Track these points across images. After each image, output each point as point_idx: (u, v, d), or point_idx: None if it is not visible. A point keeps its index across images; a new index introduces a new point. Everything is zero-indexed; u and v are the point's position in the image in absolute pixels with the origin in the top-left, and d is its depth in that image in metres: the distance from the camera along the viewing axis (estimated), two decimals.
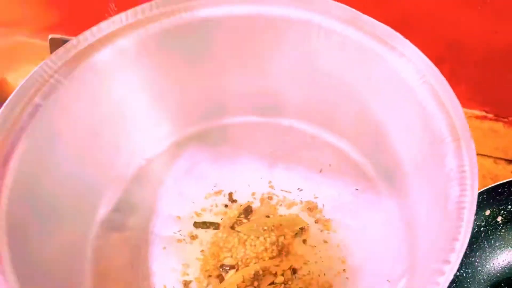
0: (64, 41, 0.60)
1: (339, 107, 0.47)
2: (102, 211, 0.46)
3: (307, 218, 0.46)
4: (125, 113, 0.46)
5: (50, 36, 0.64)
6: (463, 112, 0.31)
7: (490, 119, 0.56)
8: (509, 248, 0.41)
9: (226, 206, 0.47)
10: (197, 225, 0.46)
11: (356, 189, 0.47)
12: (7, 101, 0.35)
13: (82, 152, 0.43)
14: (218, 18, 0.42)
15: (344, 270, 0.42)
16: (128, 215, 0.47)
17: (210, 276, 0.43)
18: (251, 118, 0.52)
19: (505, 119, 0.55)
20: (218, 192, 0.48)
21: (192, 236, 0.46)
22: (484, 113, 0.57)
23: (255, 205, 0.47)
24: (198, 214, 0.47)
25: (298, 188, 0.47)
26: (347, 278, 0.42)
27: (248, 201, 0.47)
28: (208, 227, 0.46)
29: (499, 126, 0.55)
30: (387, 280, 0.41)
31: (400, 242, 0.42)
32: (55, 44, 0.63)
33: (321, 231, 0.45)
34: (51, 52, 0.63)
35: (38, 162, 0.37)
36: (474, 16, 0.44)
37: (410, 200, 0.41)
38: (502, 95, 0.54)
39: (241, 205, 0.47)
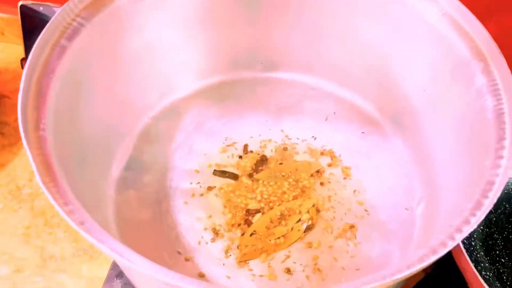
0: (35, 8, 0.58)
1: (342, 56, 0.49)
2: (115, 170, 0.45)
3: (321, 162, 0.48)
4: (136, 66, 0.45)
5: (20, 3, 0.60)
6: (489, 35, 0.34)
7: None
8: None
9: (240, 157, 0.48)
10: (216, 173, 0.46)
11: (363, 132, 0.49)
12: (36, 42, 0.33)
13: (96, 105, 0.42)
14: None
15: (364, 207, 0.45)
16: (141, 173, 0.46)
17: (239, 224, 0.43)
18: (253, 74, 0.53)
19: None
20: (231, 145, 0.49)
21: (211, 187, 0.46)
22: None
23: (269, 154, 0.48)
24: (217, 165, 0.47)
25: (313, 136, 0.49)
26: (368, 214, 0.44)
27: (261, 151, 0.48)
28: (227, 177, 0.46)
29: None
30: (405, 209, 0.44)
31: (412, 173, 0.45)
32: (26, 11, 0.60)
33: (335, 174, 0.47)
34: (22, 19, 0.60)
35: (66, 107, 0.36)
36: None
37: (419, 133, 0.45)
38: None
39: (258, 153, 0.48)
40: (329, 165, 0.48)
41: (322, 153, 0.48)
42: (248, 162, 0.47)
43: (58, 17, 0.35)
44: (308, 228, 0.43)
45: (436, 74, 0.40)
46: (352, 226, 0.43)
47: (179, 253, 0.41)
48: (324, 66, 0.51)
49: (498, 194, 0.27)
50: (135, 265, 0.25)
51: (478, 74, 0.34)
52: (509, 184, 0.46)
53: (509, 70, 0.33)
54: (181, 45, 0.47)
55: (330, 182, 0.46)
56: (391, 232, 0.43)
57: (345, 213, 0.45)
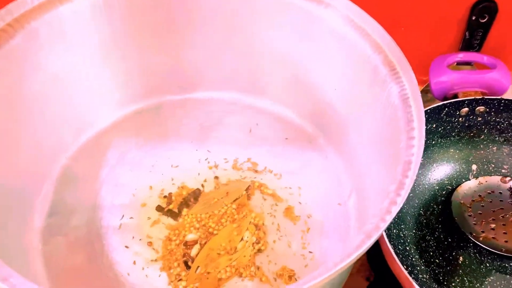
0: None
1: (254, 69, 0.51)
2: (38, 218, 0.43)
3: (251, 176, 0.48)
4: (43, 106, 0.42)
5: None
6: (384, 30, 0.37)
7: None
8: (430, 173, 0.48)
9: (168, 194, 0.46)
10: (159, 209, 0.45)
11: (286, 138, 0.50)
12: None
13: (2, 154, 0.39)
14: None
15: (297, 207, 0.46)
16: (67, 217, 0.44)
17: (178, 260, 0.42)
18: (170, 97, 0.52)
19: None
20: (157, 176, 0.47)
21: (156, 220, 0.44)
22: None
23: (196, 180, 0.47)
24: (143, 204, 0.45)
25: (234, 157, 0.49)
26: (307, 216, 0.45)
27: (187, 181, 0.47)
28: (169, 215, 0.45)
29: None
30: (338, 204, 0.45)
31: (338, 169, 0.47)
32: None
33: (267, 184, 0.47)
34: None
35: None
36: None
37: (339, 130, 0.47)
38: None
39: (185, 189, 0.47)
40: (258, 177, 0.48)
41: (250, 168, 0.49)
42: (180, 195, 0.46)
43: None
44: (257, 242, 0.43)
45: (344, 71, 0.42)
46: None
47: None
48: (239, 80, 0.52)
49: (416, 172, 0.29)
50: None
51: (380, 65, 0.37)
52: (434, 185, 0.48)
53: (405, 59, 0.35)
54: (91, 77, 0.46)
55: (263, 194, 0.47)
56: (329, 229, 0.44)
57: (286, 221, 0.45)
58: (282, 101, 0.52)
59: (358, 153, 0.44)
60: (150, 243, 0.43)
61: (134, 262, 0.41)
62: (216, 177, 0.48)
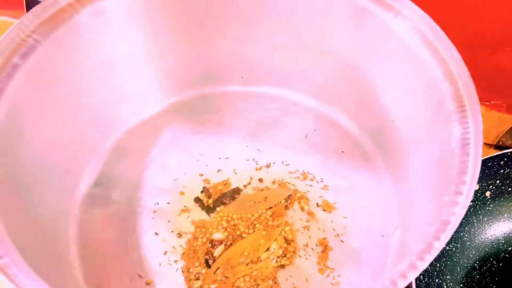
0: None
1: (322, 72, 0.47)
2: (83, 186, 0.44)
3: (296, 185, 0.46)
4: (105, 81, 0.43)
5: None
6: (460, 57, 0.31)
7: None
8: (497, 223, 0.42)
9: (205, 189, 0.46)
10: (196, 201, 0.45)
11: (343, 151, 0.47)
12: None
13: (61, 122, 0.41)
14: None
15: (338, 233, 0.43)
16: (111, 189, 0.45)
17: (199, 258, 0.41)
18: (234, 88, 0.51)
19: (487, 103, 0.56)
20: (203, 166, 0.47)
21: (184, 209, 0.44)
22: None
23: (239, 178, 0.46)
24: (182, 193, 0.45)
25: (284, 161, 0.47)
26: (341, 240, 0.42)
27: (231, 177, 0.46)
28: (203, 209, 0.44)
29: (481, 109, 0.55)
30: (381, 236, 0.41)
31: (390, 198, 0.43)
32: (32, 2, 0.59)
33: (310, 198, 0.45)
34: (28, 10, 0.59)
35: (16, 130, 0.35)
36: None
37: (398, 156, 0.42)
38: (486, 79, 0.53)
39: (226, 184, 0.46)
40: (305, 187, 0.45)
41: (298, 176, 0.46)
42: (219, 191, 0.45)
43: (10, 33, 0.34)
44: (283, 255, 0.41)
45: (411, 93, 0.37)
46: (325, 253, 0.41)
47: (140, 276, 0.40)
48: (304, 81, 0.49)
49: (450, 235, 0.25)
50: None
51: (448, 98, 0.32)
52: (500, 239, 0.42)
53: (477, 96, 0.30)
54: (156, 58, 0.46)
55: (303, 207, 0.44)
56: (364, 260, 0.40)
57: (318, 240, 0.42)
58: (346, 111, 0.48)
59: (412, 188, 0.39)
60: (179, 234, 0.43)
61: (164, 252, 0.42)
62: (260, 179, 0.46)
